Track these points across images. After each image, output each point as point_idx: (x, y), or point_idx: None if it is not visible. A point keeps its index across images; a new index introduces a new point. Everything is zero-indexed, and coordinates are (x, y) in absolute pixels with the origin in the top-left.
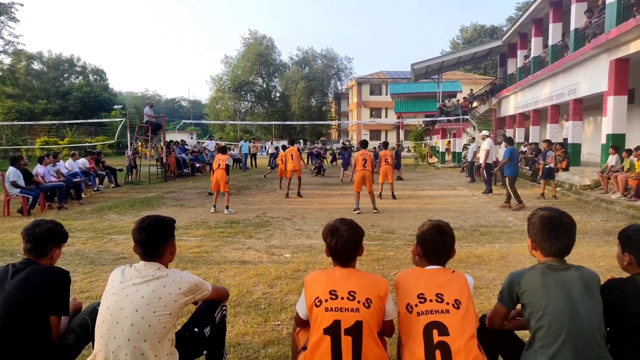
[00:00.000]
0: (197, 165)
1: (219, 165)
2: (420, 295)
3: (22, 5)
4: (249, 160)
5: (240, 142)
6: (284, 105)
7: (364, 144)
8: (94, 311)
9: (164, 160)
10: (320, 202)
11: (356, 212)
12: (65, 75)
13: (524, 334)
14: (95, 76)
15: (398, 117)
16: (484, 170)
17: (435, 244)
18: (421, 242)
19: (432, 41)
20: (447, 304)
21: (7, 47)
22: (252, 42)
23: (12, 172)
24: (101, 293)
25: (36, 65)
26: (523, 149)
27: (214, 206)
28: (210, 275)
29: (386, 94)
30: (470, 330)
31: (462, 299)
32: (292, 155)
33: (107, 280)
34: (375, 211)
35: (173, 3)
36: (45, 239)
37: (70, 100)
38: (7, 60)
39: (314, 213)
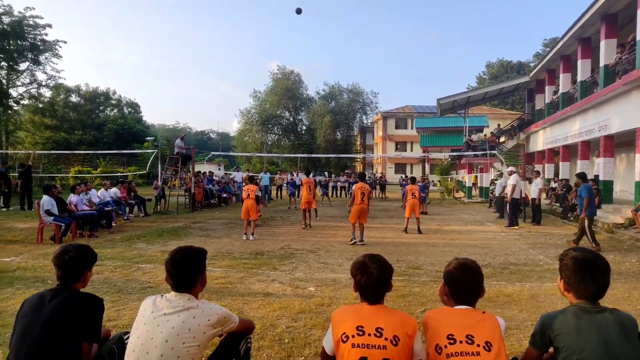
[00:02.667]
0: (224, 195)
1: (249, 195)
2: (450, 336)
3: (65, 42)
4: (274, 191)
5: (260, 174)
6: (310, 138)
7: (362, 177)
8: (120, 340)
9: (192, 191)
10: (344, 235)
11: (352, 242)
12: (101, 107)
13: None
14: (130, 109)
15: (424, 151)
16: (509, 205)
17: (464, 283)
18: (448, 282)
19: (458, 76)
20: (478, 345)
21: (49, 81)
22: (280, 77)
23: (46, 201)
24: (128, 322)
25: (74, 98)
26: (553, 185)
27: (245, 234)
28: (234, 307)
29: (412, 128)
30: None
31: (493, 341)
32: (309, 187)
33: (134, 309)
34: (362, 243)
35: (204, 40)
36: (76, 265)
37: (105, 131)
38: (47, 93)
39: (338, 246)
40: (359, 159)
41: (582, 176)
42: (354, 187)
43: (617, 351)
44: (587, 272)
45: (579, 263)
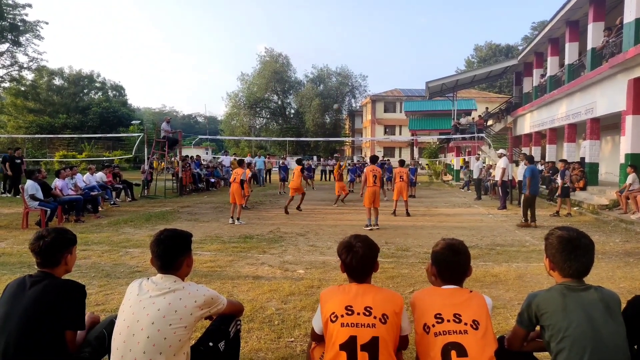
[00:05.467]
0: (212, 180)
1: (235, 179)
2: (438, 315)
3: (47, 23)
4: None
5: (254, 158)
6: (299, 122)
7: (373, 160)
8: (110, 324)
9: (180, 175)
10: (333, 218)
11: (367, 228)
12: (85, 90)
13: (544, 355)
14: (114, 92)
15: (412, 135)
16: (500, 188)
17: (450, 263)
18: (436, 262)
19: (447, 60)
20: (465, 324)
21: (31, 63)
22: (268, 59)
23: (30, 185)
24: (116, 306)
25: (57, 81)
26: (540, 167)
27: (232, 217)
28: (224, 290)
29: (400, 112)
30: (489, 351)
31: (480, 320)
32: (293, 173)
33: (123, 293)
34: (377, 227)
35: (190, 22)
36: (52, 249)
37: (90, 115)
38: (30, 76)
39: (327, 229)
40: (347, 143)
41: (528, 158)
42: (365, 170)
43: (602, 328)
44: (572, 251)
45: (564, 242)
